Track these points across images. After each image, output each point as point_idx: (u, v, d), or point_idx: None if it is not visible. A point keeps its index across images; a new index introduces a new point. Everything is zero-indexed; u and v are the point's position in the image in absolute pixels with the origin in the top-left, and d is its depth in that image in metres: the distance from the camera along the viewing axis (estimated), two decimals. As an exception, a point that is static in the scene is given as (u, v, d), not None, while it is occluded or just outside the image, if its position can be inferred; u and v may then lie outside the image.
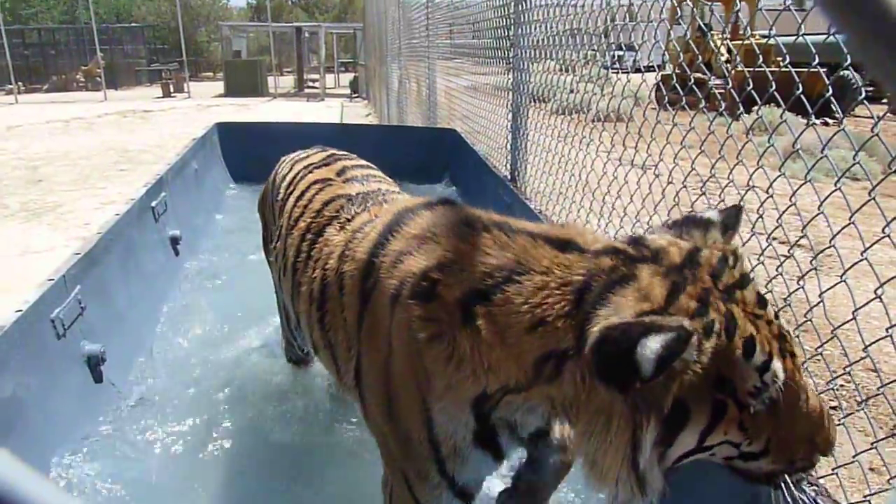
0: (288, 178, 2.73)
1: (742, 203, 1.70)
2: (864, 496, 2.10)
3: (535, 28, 4.96)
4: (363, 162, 2.82)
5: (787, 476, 1.54)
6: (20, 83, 27.04)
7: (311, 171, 2.65)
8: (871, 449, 2.14)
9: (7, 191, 9.37)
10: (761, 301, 1.41)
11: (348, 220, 2.20)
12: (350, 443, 3.02)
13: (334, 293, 2.04)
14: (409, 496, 1.83)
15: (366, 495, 2.50)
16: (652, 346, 1.18)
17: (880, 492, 2.15)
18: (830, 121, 10.40)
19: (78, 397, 2.94)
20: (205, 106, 22.81)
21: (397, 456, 1.84)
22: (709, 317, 1.31)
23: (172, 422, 3.15)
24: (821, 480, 2.14)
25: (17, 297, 2.77)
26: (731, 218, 1.59)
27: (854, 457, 2.13)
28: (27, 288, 2.88)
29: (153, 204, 4.59)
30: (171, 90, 28.33)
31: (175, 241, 4.89)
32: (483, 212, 1.75)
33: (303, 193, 2.53)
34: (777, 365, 1.34)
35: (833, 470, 2.22)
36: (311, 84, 31.01)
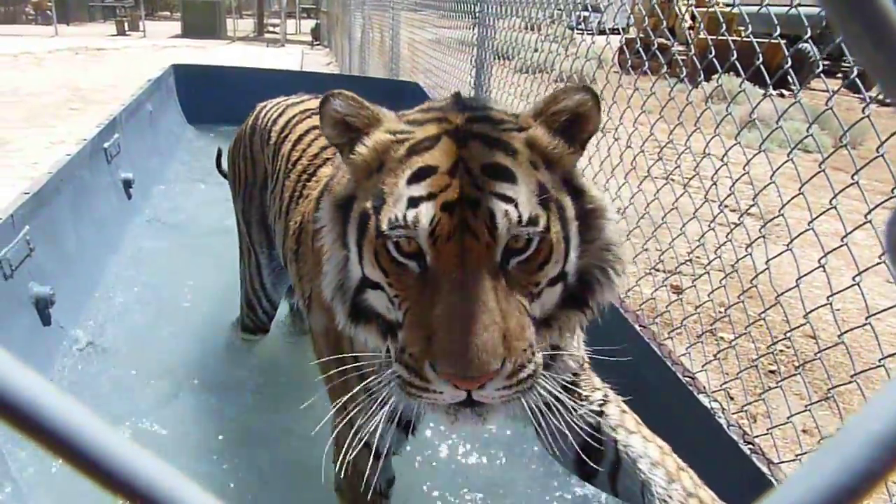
0: (280, 123, 2.68)
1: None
2: (796, 455, 2.21)
3: (503, -17, 4.91)
4: None
5: (398, 378, 1.30)
6: (-36, 12, 25.79)
7: (308, 116, 2.62)
8: (804, 411, 2.24)
9: (-50, 125, 9.01)
10: (494, 170, 1.30)
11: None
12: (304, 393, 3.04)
13: (309, 226, 2.09)
14: (349, 425, 1.88)
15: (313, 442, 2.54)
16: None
17: (811, 451, 2.26)
18: (786, 92, 10.57)
19: (26, 340, 2.89)
20: (161, 46, 22.08)
21: (332, 382, 1.89)
22: (414, 128, 1.40)
23: (121, 367, 3.13)
24: (756, 440, 2.24)
25: (-39, 235, 2.69)
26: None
27: (788, 418, 2.23)
28: (-28, 226, 2.80)
29: (106, 145, 4.47)
30: (126, 28, 27.32)
31: (128, 184, 4.78)
32: None
33: (300, 138, 2.52)
34: (428, 208, 1.25)
35: (768, 430, 2.33)
36: (271, 29, 30.22)
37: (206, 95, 7.00)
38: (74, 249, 3.65)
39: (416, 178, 1.29)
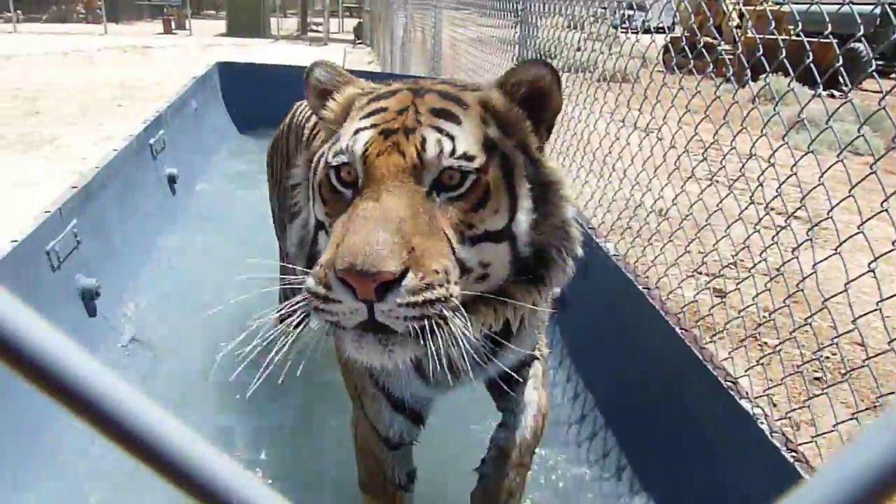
0: (314, 120, 2.69)
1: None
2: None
3: (546, -19, 4.87)
4: None
5: (310, 292, 1.30)
6: (19, 11, 26.49)
7: None
8: (851, 420, 2.18)
9: (4, 121, 9.27)
10: (440, 112, 1.38)
11: None
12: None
13: None
14: (364, 417, 1.95)
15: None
16: None
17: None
18: (837, 93, 10.31)
19: (71, 331, 2.96)
20: (206, 44, 22.45)
21: (348, 374, 1.98)
22: (381, 86, 1.52)
23: (164, 363, 3.18)
24: (800, 447, 2.18)
25: (12, 228, 2.76)
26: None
27: (834, 426, 2.17)
28: (23, 220, 2.87)
29: (151, 141, 4.56)
30: (173, 27, 27.84)
31: (172, 180, 4.87)
32: None
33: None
34: (368, 133, 1.34)
35: (813, 438, 2.27)
36: (314, 28, 30.50)
37: (249, 93, 7.08)
38: (120, 243, 3.72)
39: (367, 116, 1.39)
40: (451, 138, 1.32)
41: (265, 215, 3.41)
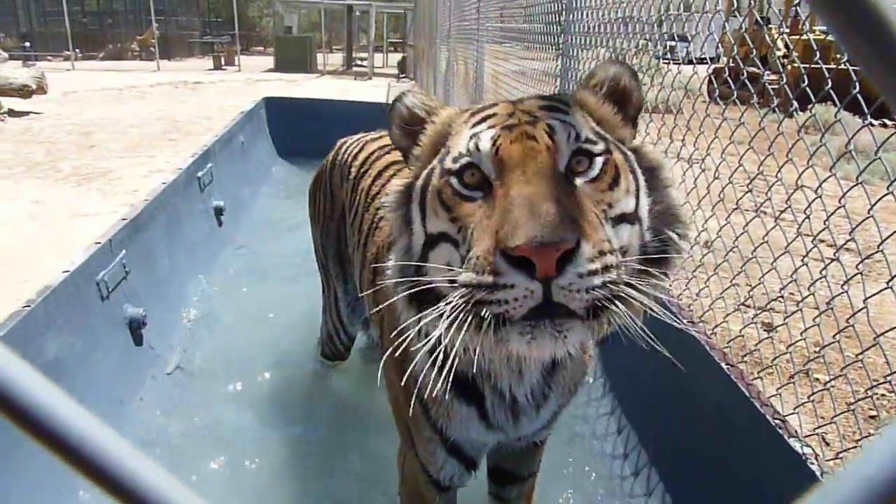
0: (360, 159, 2.74)
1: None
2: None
3: (587, 14, 4.89)
4: None
5: (464, 291, 1.20)
6: (77, 50, 27.57)
7: (387, 152, 2.66)
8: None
9: (61, 155, 9.60)
10: (549, 109, 1.40)
11: None
12: (378, 423, 3.05)
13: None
14: (414, 456, 1.91)
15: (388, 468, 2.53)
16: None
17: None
18: (889, 122, 10.08)
19: (118, 360, 3.02)
20: (254, 80, 23.02)
21: (401, 412, 1.92)
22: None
23: (207, 394, 3.22)
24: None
25: (64, 258, 2.84)
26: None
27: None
28: (75, 250, 2.96)
29: (199, 174, 4.67)
30: (223, 63, 28.63)
31: (219, 212, 4.97)
32: None
33: (380, 173, 2.57)
34: (490, 132, 1.34)
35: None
36: (359, 63, 31.07)
37: (294, 127, 7.23)
38: (167, 273, 3.81)
39: (478, 123, 1.39)
40: (572, 125, 1.33)
41: (308, 248, 3.46)
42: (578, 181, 1.29)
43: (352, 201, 2.68)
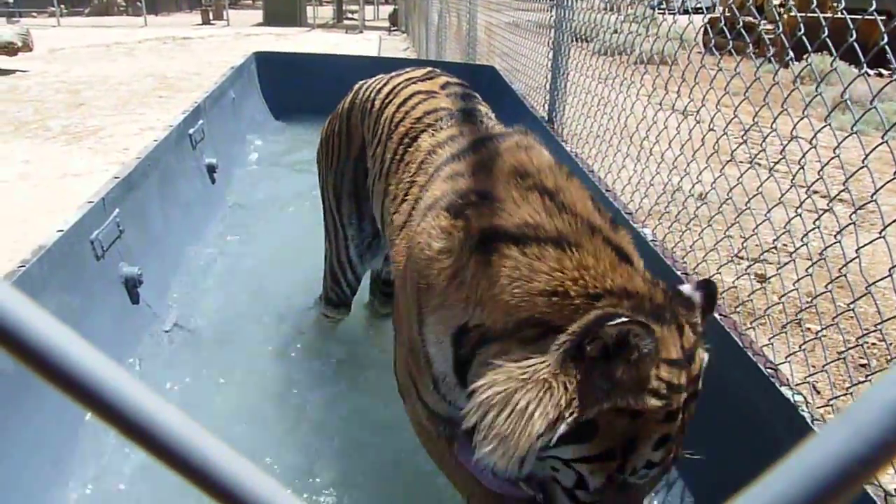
0: (385, 91, 2.70)
1: (716, 282, 1.65)
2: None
3: (582, -36, 4.80)
4: (460, 80, 2.81)
5: None
6: (62, 6, 27.03)
7: (413, 83, 2.65)
8: (896, 407, 2.13)
9: (49, 113, 9.50)
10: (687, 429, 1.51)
11: (439, 131, 2.29)
12: (387, 385, 3.08)
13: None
14: (416, 400, 1.95)
15: (401, 428, 2.57)
16: (615, 322, 1.29)
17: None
18: (885, 71, 10.00)
19: (115, 318, 3.04)
20: (243, 34, 22.66)
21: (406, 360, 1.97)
22: (671, 395, 1.39)
23: (205, 350, 3.24)
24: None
25: (57, 218, 2.84)
26: (710, 301, 1.58)
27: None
28: (68, 210, 2.95)
29: (191, 131, 4.63)
30: (211, 17, 28.16)
31: (212, 169, 4.94)
32: (557, 167, 1.82)
33: (405, 101, 2.54)
34: (656, 472, 1.48)
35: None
36: (350, 16, 30.58)
37: (286, 82, 7.14)
38: (161, 232, 3.80)
39: (659, 445, 1.42)
40: None
41: (303, 202, 3.44)
42: None
43: (374, 132, 2.64)
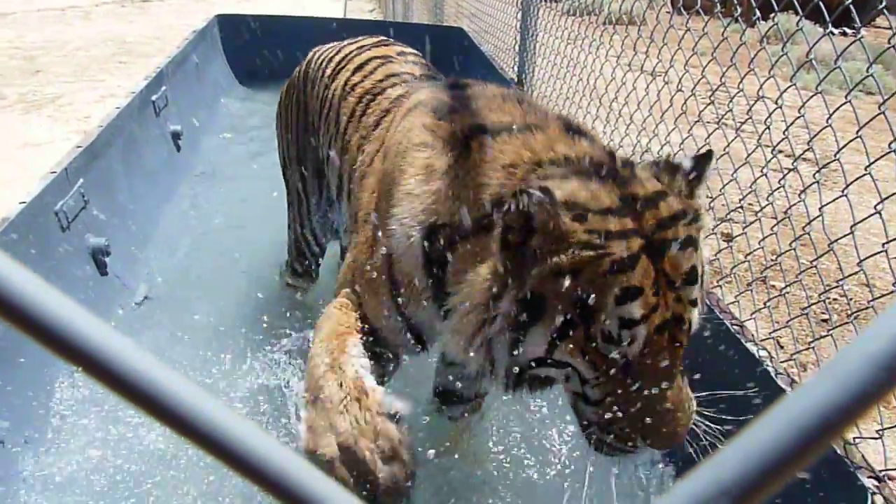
0: (336, 59, 2.68)
1: (711, 149, 1.68)
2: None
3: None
4: (414, 51, 2.80)
5: (605, 444, 1.48)
6: (13, -33, 26.03)
7: (367, 50, 2.63)
8: (857, 360, 2.19)
9: (4, 81, 9.20)
10: (689, 277, 1.39)
11: (406, 84, 2.31)
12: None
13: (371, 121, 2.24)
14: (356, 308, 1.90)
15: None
16: (507, 206, 1.37)
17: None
18: (849, 30, 10.08)
19: (84, 290, 3.00)
20: (204, -4, 22.08)
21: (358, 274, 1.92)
22: (610, 242, 1.34)
23: (176, 319, 3.21)
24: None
25: (19, 189, 2.77)
26: (701, 165, 1.59)
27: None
28: (30, 181, 2.89)
29: (154, 98, 4.53)
30: (170, -21, 27.38)
31: (177, 137, 4.85)
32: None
33: (361, 66, 2.52)
34: (641, 332, 1.34)
35: (819, 379, 2.29)
36: (314, -24, 29.92)
37: (250, 45, 7.00)
38: (127, 202, 3.74)
39: (625, 299, 1.34)
40: (697, 304, 1.43)
41: (270, 169, 3.41)
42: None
43: (324, 99, 2.62)
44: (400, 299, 1.76)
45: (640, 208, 1.39)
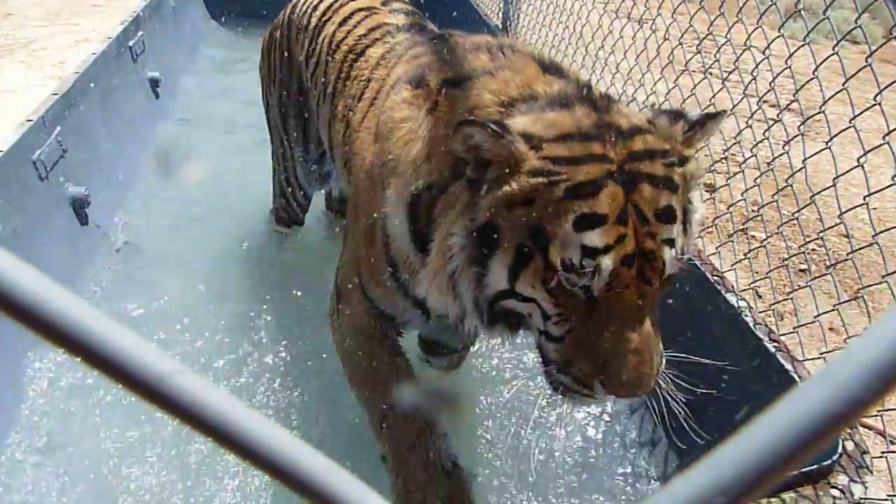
0: (321, 8, 2.61)
1: (721, 110, 1.60)
2: (821, 353, 2.22)
3: None
4: None
5: (563, 385, 1.43)
6: None
7: (352, 0, 2.56)
8: (833, 311, 2.24)
9: (-26, 24, 8.93)
10: (664, 215, 1.32)
11: (389, 41, 2.27)
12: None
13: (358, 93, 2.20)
14: (362, 300, 1.96)
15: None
16: (459, 142, 1.38)
17: (837, 350, 2.27)
18: (836, -23, 9.97)
19: (65, 240, 2.97)
20: (180, -64, 21.38)
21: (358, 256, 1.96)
22: (569, 168, 1.32)
23: (158, 266, 3.19)
24: (782, 338, 2.25)
25: (-5, 137, 2.71)
26: (707, 120, 1.50)
27: (816, 317, 2.24)
28: (6, 128, 2.83)
29: (130, 43, 4.41)
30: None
31: (155, 83, 4.75)
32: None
33: (345, 20, 2.45)
34: (607, 262, 1.28)
35: (794, 328, 2.34)
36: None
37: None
38: (106, 150, 3.68)
39: (584, 225, 1.29)
40: (675, 245, 1.35)
41: (252, 114, 3.35)
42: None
43: (311, 52, 2.57)
44: (401, 279, 1.79)
45: (614, 137, 1.36)
